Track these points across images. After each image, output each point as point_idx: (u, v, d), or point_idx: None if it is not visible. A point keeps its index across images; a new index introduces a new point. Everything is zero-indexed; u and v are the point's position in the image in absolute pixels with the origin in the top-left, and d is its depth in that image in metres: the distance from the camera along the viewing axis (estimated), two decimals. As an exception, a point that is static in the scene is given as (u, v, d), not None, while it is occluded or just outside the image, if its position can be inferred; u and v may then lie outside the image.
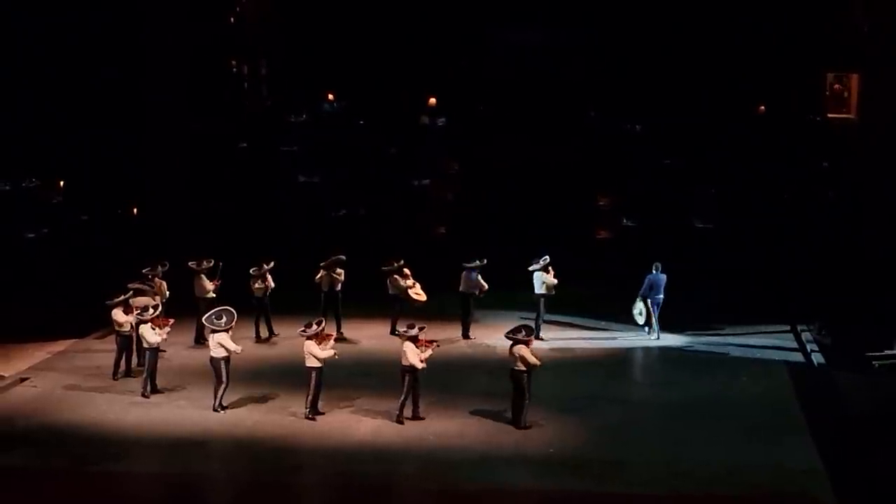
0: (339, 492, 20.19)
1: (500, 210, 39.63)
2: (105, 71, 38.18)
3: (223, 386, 22.96)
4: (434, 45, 43.17)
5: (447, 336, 27.42)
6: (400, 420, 22.44)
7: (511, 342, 22.33)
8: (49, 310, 29.65)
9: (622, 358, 27.81)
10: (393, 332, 27.97)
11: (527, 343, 22.30)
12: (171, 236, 34.41)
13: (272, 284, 28.20)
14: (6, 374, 25.49)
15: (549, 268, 28.14)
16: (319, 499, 20.44)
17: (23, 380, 25.24)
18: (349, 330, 28.53)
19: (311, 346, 22.51)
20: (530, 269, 28.31)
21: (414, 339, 22.46)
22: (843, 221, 35.19)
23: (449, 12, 42.63)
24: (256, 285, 28.12)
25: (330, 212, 41.03)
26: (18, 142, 36.56)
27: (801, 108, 40.02)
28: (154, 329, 24.00)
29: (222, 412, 22.98)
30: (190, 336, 27.51)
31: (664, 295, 28.30)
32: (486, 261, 28.53)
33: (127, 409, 23.38)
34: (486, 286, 28.44)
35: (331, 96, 44.67)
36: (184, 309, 26.97)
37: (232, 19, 43.41)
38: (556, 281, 28.10)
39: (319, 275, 28.54)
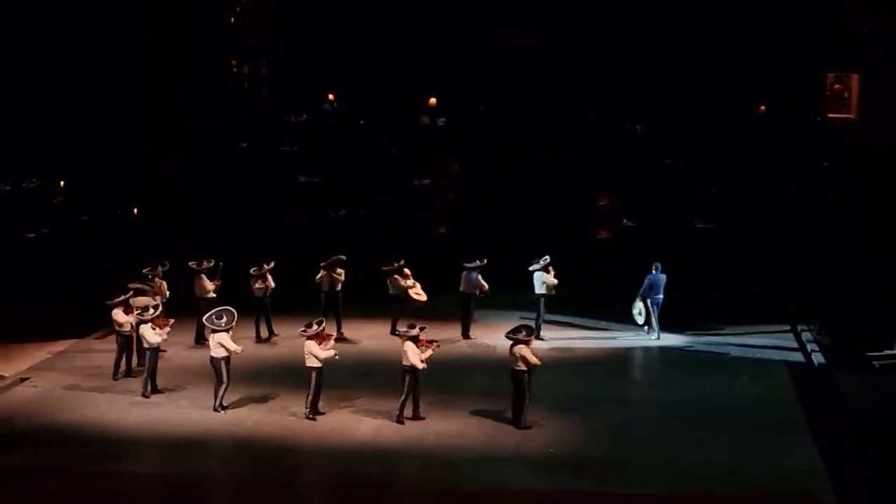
0: (340, 492, 20.19)
1: (500, 210, 39.65)
2: (105, 71, 38.20)
3: (224, 386, 22.96)
4: (434, 45, 43.19)
5: (447, 336, 27.42)
6: (400, 420, 22.44)
7: (511, 342, 22.33)
8: (49, 310, 29.65)
9: (622, 358, 27.82)
10: (393, 332, 27.97)
11: (527, 343, 22.31)
12: (172, 236, 34.41)
13: (272, 284, 28.20)
14: (6, 374, 25.49)
15: (550, 268, 28.14)
16: (320, 499, 20.44)
17: (23, 380, 25.23)
18: (349, 330, 28.53)
19: (311, 346, 22.51)
20: (530, 269, 28.31)
21: (415, 339, 22.46)
22: (843, 221, 35.20)
23: (449, 12, 42.63)
24: (257, 285, 28.12)
25: (330, 212, 41.04)
26: (18, 142, 36.55)
27: (802, 108, 40.03)
28: (154, 329, 24.01)
29: (223, 412, 22.98)
30: (190, 336, 27.51)
31: (664, 295, 28.30)
32: (486, 261, 28.53)
33: (127, 409, 23.38)
34: (487, 286, 28.44)
35: (331, 96, 44.69)
36: (184, 309, 26.97)
37: (232, 19, 43.42)
38: (556, 281, 28.10)
39: (320, 275, 28.54)
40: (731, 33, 40.81)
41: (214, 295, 27.32)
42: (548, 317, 28.70)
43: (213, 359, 23.04)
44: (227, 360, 22.98)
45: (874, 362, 26.43)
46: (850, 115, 35.83)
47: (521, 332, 22.43)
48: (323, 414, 22.85)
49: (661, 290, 28.25)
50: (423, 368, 22.38)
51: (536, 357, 22.29)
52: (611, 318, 29.90)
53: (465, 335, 28.48)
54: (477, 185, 41.73)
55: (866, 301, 29.31)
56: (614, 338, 28.98)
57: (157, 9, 36.37)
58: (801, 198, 39.11)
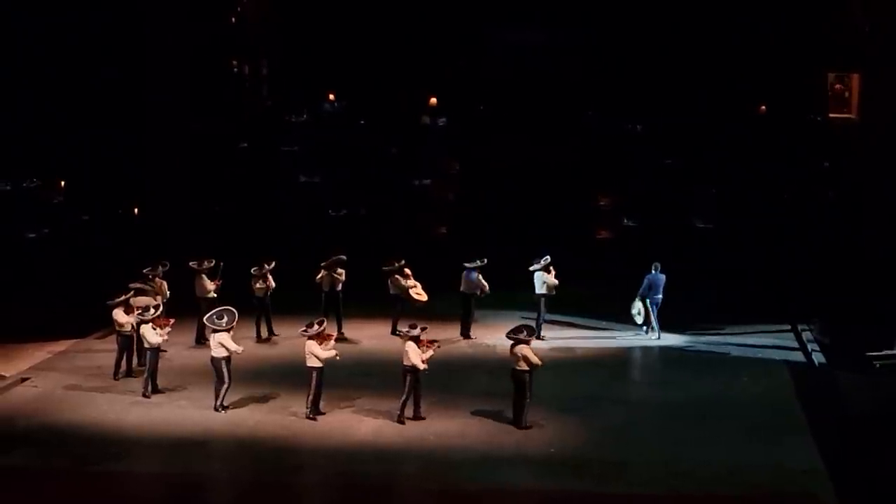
0: (341, 492, 20.20)
1: (500, 210, 39.65)
2: (105, 71, 38.18)
3: (225, 386, 22.97)
4: (433, 45, 43.19)
5: (448, 336, 27.43)
6: (401, 420, 22.45)
7: (512, 342, 22.34)
8: (50, 310, 29.64)
9: (623, 358, 27.83)
10: (394, 332, 27.99)
11: (527, 343, 22.32)
12: (172, 236, 34.41)
13: (273, 284, 28.21)
14: (7, 374, 25.48)
15: (550, 268, 28.15)
16: (320, 499, 20.45)
17: (24, 380, 25.23)
18: (350, 330, 28.54)
19: (312, 345, 22.51)
20: (531, 269, 28.33)
21: (416, 340, 22.47)
22: (843, 221, 35.20)
23: (448, 12, 42.64)
24: (257, 285, 28.13)
25: (330, 212, 41.05)
26: (18, 142, 36.54)
27: (802, 108, 40.03)
28: (155, 329, 24.01)
29: (223, 412, 22.99)
30: (191, 336, 27.52)
31: (663, 295, 28.32)
32: (486, 261, 28.54)
33: (128, 409, 23.38)
34: (487, 286, 28.45)
35: (331, 96, 44.70)
36: (185, 309, 26.98)
37: (232, 19, 43.41)
38: (556, 281, 28.11)
39: (320, 275, 28.55)
40: (730, 33, 40.81)
41: (215, 295, 27.32)
42: (548, 317, 28.72)
43: (213, 359, 23.04)
44: (228, 360, 22.99)
45: (875, 362, 26.43)
46: (850, 115, 35.83)
47: (521, 332, 22.44)
48: (324, 414, 22.86)
49: (661, 290, 28.26)
50: (425, 369, 22.39)
51: (537, 357, 22.31)
52: (611, 318, 29.90)
53: (466, 335, 28.49)
54: (477, 185, 41.75)
55: (866, 301, 29.30)
56: (615, 338, 29.00)
57: (157, 9, 36.35)
58: (801, 198, 39.14)
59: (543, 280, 28.15)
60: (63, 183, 39.00)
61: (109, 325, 26.01)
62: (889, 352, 26.68)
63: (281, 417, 22.87)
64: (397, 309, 28.56)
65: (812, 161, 39.89)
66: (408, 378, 22.39)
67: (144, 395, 23.99)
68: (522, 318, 27.60)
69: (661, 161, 41.76)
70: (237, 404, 23.41)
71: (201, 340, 26.98)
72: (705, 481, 20.18)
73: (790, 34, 39.90)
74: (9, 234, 35.53)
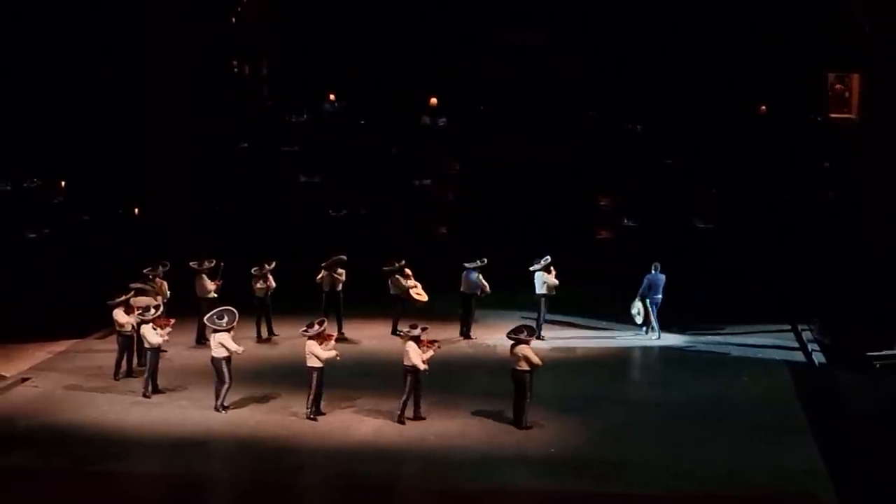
0: (341, 492, 20.20)
1: (500, 210, 39.65)
2: (105, 71, 38.14)
3: (226, 386, 22.97)
4: (434, 45, 43.17)
5: (448, 337, 27.43)
6: (401, 420, 22.45)
7: (513, 342, 22.34)
8: (50, 310, 29.64)
9: (623, 358, 27.84)
10: (394, 332, 28.00)
11: (527, 343, 22.32)
12: (172, 236, 34.41)
13: (273, 284, 28.22)
14: (7, 375, 25.50)
15: (551, 268, 28.16)
16: (321, 499, 20.45)
17: (24, 380, 25.24)
18: (350, 330, 28.55)
19: (313, 346, 22.51)
20: (531, 269, 28.33)
21: (416, 340, 22.47)
22: (843, 221, 35.21)
23: (449, 12, 42.62)
24: (258, 285, 28.14)
25: (331, 212, 41.05)
26: (18, 142, 36.52)
27: (802, 109, 40.02)
28: (156, 329, 24.02)
29: (224, 412, 22.99)
30: (191, 336, 27.53)
31: (663, 295, 28.32)
32: (486, 261, 28.54)
33: (128, 410, 23.39)
34: (488, 286, 28.44)
35: (331, 96, 44.69)
36: (185, 309, 26.99)
37: (233, 19, 43.39)
38: (557, 281, 28.12)
39: (321, 275, 28.56)
40: (730, 33, 40.79)
41: (215, 295, 27.33)
42: (548, 317, 28.73)
43: (213, 359, 23.05)
44: (228, 360, 22.99)
45: (875, 362, 26.43)
46: (850, 115, 35.83)
47: (522, 332, 22.44)
48: (324, 414, 22.87)
49: (661, 290, 28.27)
50: (425, 370, 22.38)
51: (538, 357, 22.31)
52: (611, 318, 29.91)
53: (466, 335, 28.49)
54: (477, 186, 41.74)
55: (867, 301, 29.31)
56: (615, 338, 29.01)
57: (158, 9, 36.35)
58: (802, 198, 39.13)
59: (544, 280, 28.16)
60: (63, 183, 38.98)
61: (110, 326, 26.01)
62: (889, 352, 26.67)
63: (281, 417, 22.87)
64: (398, 309, 28.56)
65: (812, 161, 39.87)
66: (408, 378, 22.39)
67: (145, 396, 23.99)
68: (522, 318, 27.61)
69: (662, 161, 41.75)
70: (238, 404, 23.41)
71: (202, 340, 26.98)
72: (705, 481, 20.18)
73: (790, 34, 39.88)
74: (9, 235, 35.52)
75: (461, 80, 44.11)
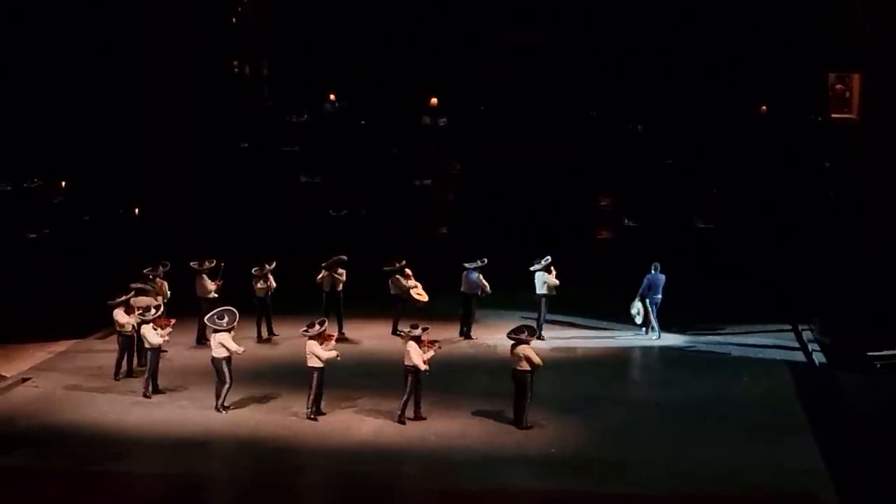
0: (341, 492, 20.21)
1: (500, 210, 39.65)
2: (105, 71, 38.14)
3: (226, 386, 22.97)
4: (434, 45, 43.17)
5: (448, 337, 27.43)
6: (402, 420, 22.46)
7: (513, 342, 22.34)
8: (50, 310, 29.65)
9: (623, 358, 27.85)
10: (394, 332, 28.01)
11: (528, 343, 22.32)
12: (172, 236, 34.43)
13: (274, 285, 28.22)
14: (8, 375, 25.50)
15: (551, 268, 28.16)
16: (321, 499, 20.45)
17: (24, 380, 25.24)
18: (351, 330, 28.55)
19: (313, 346, 22.51)
20: (532, 269, 28.33)
21: (417, 339, 22.47)
22: (843, 221, 35.24)
23: (449, 12, 42.63)
24: (258, 285, 28.14)
25: (331, 212, 41.05)
26: (18, 142, 36.53)
27: (802, 109, 40.03)
28: (156, 329, 24.02)
29: (224, 412, 22.99)
30: (191, 336, 27.53)
31: (662, 295, 28.32)
32: (486, 261, 28.54)
33: (129, 410, 23.39)
34: (488, 286, 28.44)
35: (332, 96, 44.69)
36: (185, 309, 26.99)
37: (233, 19, 43.39)
38: (557, 282, 28.12)
39: (321, 275, 28.56)
40: (730, 33, 40.79)
41: (216, 295, 27.32)
42: (549, 317, 28.73)
43: (214, 359, 23.05)
44: (229, 360, 22.99)
45: (875, 362, 26.44)
46: (851, 115, 35.86)
47: (523, 332, 22.44)
48: (324, 414, 22.87)
49: (660, 290, 28.27)
50: (426, 370, 22.38)
51: (539, 357, 22.32)
52: (612, 318, 29.91)
53: (467, 335, 28.49)
54: (478, 186, 41.74)
55: (867, 301, 29.33)
56: (615, 338, 29.02)
57: (158, 9, 36.37)
58: (802, 198, 39.14)
59: (544, 280, 28.16)
60: (63, 183, 38.98)
61: (110, 326, 26.00)
62: (889, 352, 26.67)
63: (282, 417, 22.88)
64: (398, 309, 28.57)
65: (813, 161, 39.89)
66: (409, 378, 22.39)
67: (145, 396, 23.99)
68: (523, 318, 27.63)
69: (662, 161, 41.75)
70: (238, 404, 23.41)
71: (202, 341, 26.98)
72: (706, 481, 20.19)
73: (791, 34, 39.89)
74: (9, 235, 35.51)
75: (461, 80, 44.11)
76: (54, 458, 21.17)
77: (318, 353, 22.47)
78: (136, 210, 38.31)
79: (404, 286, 28.48)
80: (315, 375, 22.55)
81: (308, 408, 22.69)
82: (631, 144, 42.48)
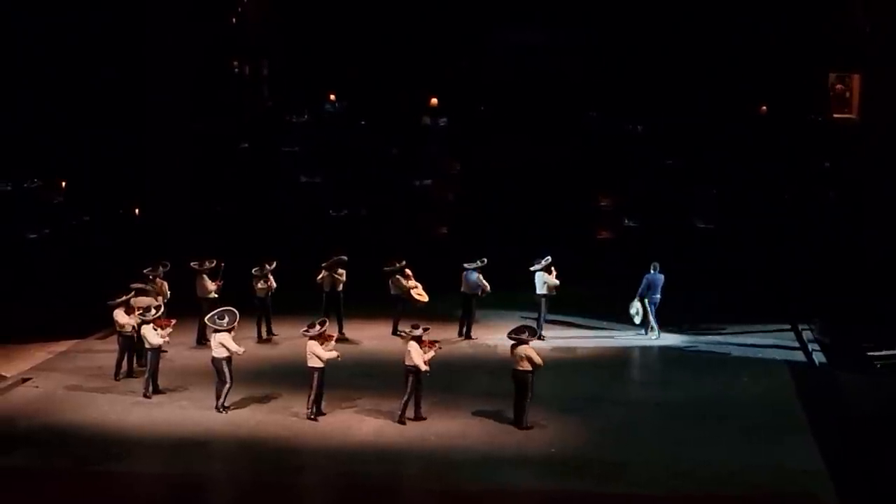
0: (342, 492, 20.22)
1: (500, 210, 39.65)
2: (105, 71, 38.15)
3: (227, 386, 22.98)
4: (434, 45, 43.17)
5: (448, 337, 27.44)
6: (402, 420, 22.46)
7: (514, 343, 22.34)
8: (50, 310, 29.66)
9: (623, 358, 27.86)
10: (395, 332, 28.03)
11: (528, 343, 22.33)
12: (173, 236, 34.44)
13: (274, 285, 28.23)
14: (8, 375, 25.51)
15: (551, 268, 28.17)
16: (322, 499, 20.46)
17: (25, 380, 25.25)
18: (351, 330, 28.56)
19: (314, 346, 22.52)
20: (532, 269, 28.34)
21: (418, 339, 22.47)
22: (843, 221, 35.24)
23: (449, 13, 42.63)
24: (259, 286, 28.14)
25: (331, 212, 41.06)
26: (18, 142, 36.53)
27: (803, 109, 40.04)
28: (156, 330, 24.03)
29: (224, 412, 23.00)
30: (192, 336, 27.54)
31: (661, 295, 28.33)
32: (485, 261, 28.55)
33: (129, 410, 23.40)
34: (488, 286, 28.45)
35: (332, 97, 44.69)
36: (186, 309, 27.00)
37: (233, 19, 43.39)
38: (557, 282, 28.13)
39: (321, 275, 28.57)
40: (730, 33, 40.79)
41: (216, 295, 27.33)
42: (549, 317, 28.73)
43: (214, 359, 23.05)
44: (229, 360, 22.99)
45: (875, 362, 26.46)
46: (851, 115, 35.88)
47: (523, 332, 22.45)
48: (325, 414, 22.87)
49: (659, 289, 28.28)
50: (427, 371, 22.38)
51: (539, 357, 22.33)
52: (612, 318, 29.91)
53: (467, 335, 28.50)
54: (478, 186, 41.73)
55: (867, 301, 29.34)
56: (615, 338, 29.02)
57: (158, 9, 36.38)
58: (802, 198, 39.14)
59: (544, 280, 28.17)
60: (63, 183, 38.98)
61: (110, 326, 26.01)
62: (889, 352, 26.69)
63: (282, 418, 22.88)
64: (398, 309, 28.57)
65: (813, 161, 39.89)
66: (410, 378, 22.39)
67: (145, 396, 24.00)
68: (523, 318, 27.65)
69: (662, 161, 41.74)
70: (238, 405, 23.42)
71: (202, 341, 26.99)
72: (705, 481, 20.19)
73: (791, 34, 39.89)
74: (9, 235, 35.50)
75: (462, 81, 44.11)
76: (55, 458, 21.18)
77: (318, 354, 22.47)
78: (137, 210, 38.31)
79: (404, 286, 28.48)
80: (315, 376, 22.56)
81: (308, 408, 22.70)
82: (631, 144, 42.47)
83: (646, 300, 28.37)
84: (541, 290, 28.25)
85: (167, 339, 24.41)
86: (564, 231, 36.77)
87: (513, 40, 44.02)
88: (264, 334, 28.33)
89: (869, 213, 33.67)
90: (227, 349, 22.89)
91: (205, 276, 27.65)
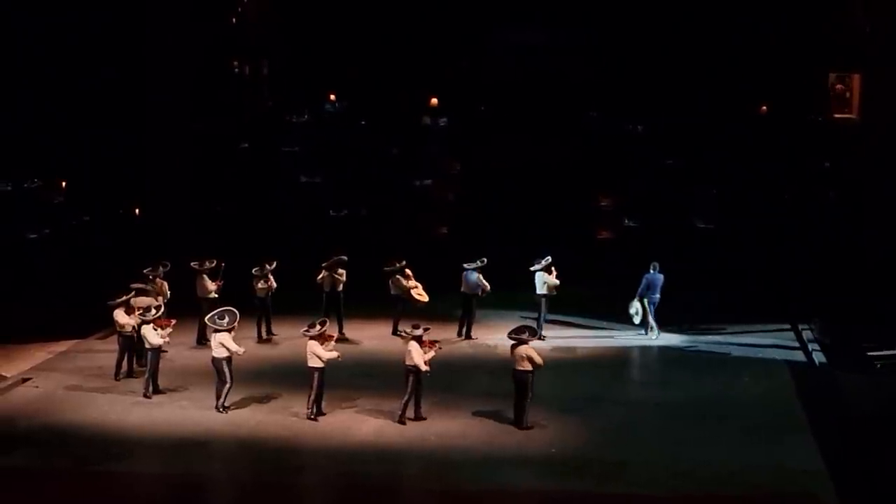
0: (342, 492, 20.23)
1: (500, 210, 39.65)
2: (105, 71, 38.13)
3: (227, 386, 22.98)
4: (434, 45, 43.16)
5: (449, 337, 27.45)
6: (402, 420, 22.46)
7: (514, 343, 22.34)
8: (51, 310, 29.67)
9: (623, 358, 27.86)
10: (395, 332, 28.02)
11: (528, 343, 22.33)
12: (173, 236, 34.44)
13: (274, 285, 28.23)
14: (8, 375, 25.52)
15: (552, 268, 28.17)
16: (322, 499, 20.47)
17: (25, 380, 25.26)
18: (351, 330, 28.56)
19: (314, 346, 22.52)
20: (532, 269, 28.34)
21: (419, 339, 22.47)
22: (843, 221, 35.25)
23: (449, 12, 42.63)
24: (259, 286, 28.15)
25: (331, 212, 41.06)
26: (18, 142, 36.53)
27: (803, 109, 40.03)
28: (156, 330, 24.03)
29: (225, 412, 23.00)
30: (192, 336, 27.55)
31: (661, 295, 28.33)
32: (485, 261, 28.55)
33: (129, 410, 23.41)
34: (489, 286, 28.45)
35: (332, 97, 44.68)
36: (186, 309, 27.00)
37: (233, 19, 43.38)
38: (557, 282, 28.13)
39: (321, 275, 28.57)
40: (730, 33, 40.79)
41: (216, 295, 27.34)
42: (549, 317, 28.74)
43: (214, 359, 23.06)
44: (229, 360, 23.00)
45: (875, 362, 26.46)
46: (851, 115, 35.88)
47: (523, 332, 22.46)
48: (325, 414, 22.88)
49: (658, 289, 28.29)
50: (427, 371, 22.37)
51: (540, 357, 22.33)
52: (612, 318, 29.91)
53: (467, 335, 28.50)
54: (478, 186, 41.73)
55: (867, 301, 29.34)
56: (615, 338, 29.02)
57: (158, 9, 36.38)
58: (802, 198, 39.13)
59: (544, 280, 28.17)
60: (63, 183, 38.97)
61: (110, 326, 26.02)
62: (889, 352, 26.69)
63: (282, 418, 22.89)
64: (398, 309, 28.58)
65: (813, 161, 39.88)
66: (410, 378, 22.39)
67: (145, 396, 24.01)
68: (523, 318, 27.66)
69: (662, 161, 41.73)
70: (238, 405, 23.43)
71: (202, 341, 26.99)
72: (705, 481, 20.20)
73: (791, 34, 39.87)
74: (9, 235, 35.50)
75: (462, 81, 44.09)
76: (55, 458, 21.19)
77: (318, 354, 22.47)
78: (137, 210, 38.30)
79: (404, 286, 28.49)
80: (316, 376, 22.56)
81: (308, 408, 22.70)
82: (631, 144, 42.45)
83: (645, 300, 28.37)
84: (541, 290, 28.25)
85: (167, 339, 24.42)
86: (564, 231, 36.77)
87: (513, 40, 43.99)
88: (264, 334, 28.33)
89: (869, 213, 33.68)
90: (228, 349, 22.89)
91: (205, 276, 27.66)
